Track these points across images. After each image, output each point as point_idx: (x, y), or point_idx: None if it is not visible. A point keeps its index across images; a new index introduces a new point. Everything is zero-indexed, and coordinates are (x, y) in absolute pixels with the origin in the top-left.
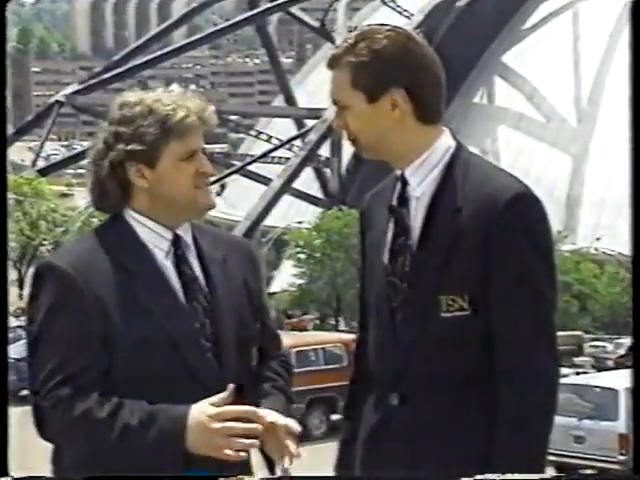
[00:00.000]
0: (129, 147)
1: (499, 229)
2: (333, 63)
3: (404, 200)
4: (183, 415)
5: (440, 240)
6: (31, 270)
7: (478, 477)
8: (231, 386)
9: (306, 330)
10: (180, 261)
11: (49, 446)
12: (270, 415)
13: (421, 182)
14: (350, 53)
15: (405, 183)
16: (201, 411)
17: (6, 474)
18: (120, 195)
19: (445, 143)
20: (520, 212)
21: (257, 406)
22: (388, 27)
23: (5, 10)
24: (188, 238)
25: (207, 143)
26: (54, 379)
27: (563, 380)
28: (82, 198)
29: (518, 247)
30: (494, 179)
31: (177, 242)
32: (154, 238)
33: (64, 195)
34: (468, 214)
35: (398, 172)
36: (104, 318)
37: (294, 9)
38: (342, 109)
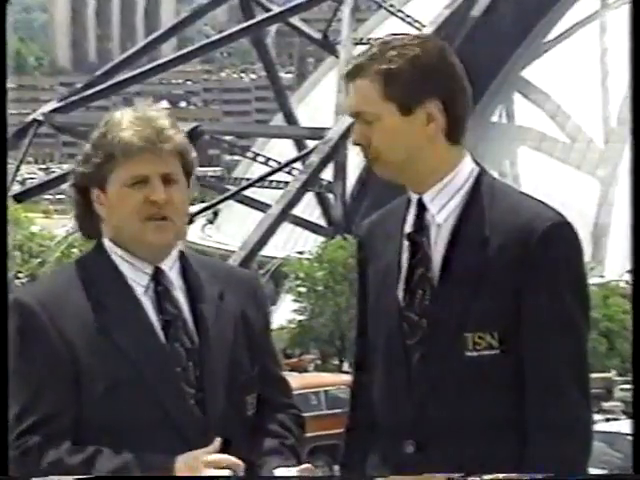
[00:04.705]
0: (82, 169)
1: (534, 261)
2: (357, 72)
3: (423, 228)
4: (169, 460)
5: (466, 272)
6: None
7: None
8: (218, 440)
9: (306, 371)
10: (162, 298)
11: None
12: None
13: (442, 208)
14: (379, 61)
15: (423, 209)
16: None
17: (6, 474)
18: (89, 221)
19: (468, 166)
20: (558, 243)
21: (250, 461)
22: (417, 34)
23: (5, 10)
24: (173, 272)
25: (199, 166)
26: (20, 426)
27: None
28: (61, 226)
29: (555, 281)
30: (525, 207)
31: (158, 277)
32: (132, 272)
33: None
34: (497, 244)
35: (414, 197)
36: (73, 359)
37: (294, 20)
38: (367, 123)
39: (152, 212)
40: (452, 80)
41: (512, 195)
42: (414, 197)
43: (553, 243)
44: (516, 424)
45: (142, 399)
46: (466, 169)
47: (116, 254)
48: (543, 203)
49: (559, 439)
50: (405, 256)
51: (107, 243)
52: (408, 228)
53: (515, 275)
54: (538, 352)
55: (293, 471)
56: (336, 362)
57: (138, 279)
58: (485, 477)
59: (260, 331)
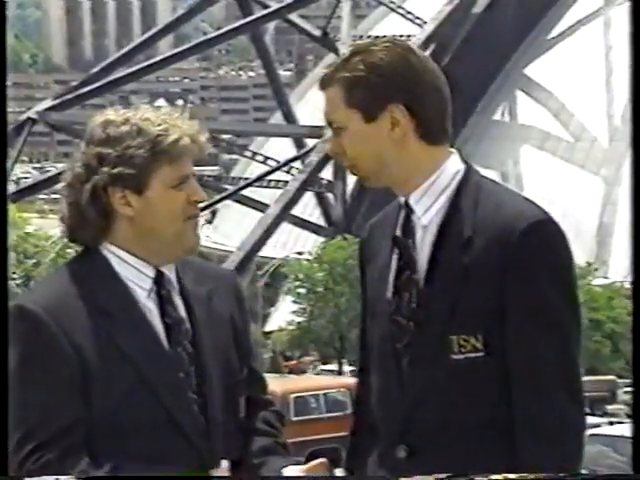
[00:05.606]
0: (115, 170)
1: (516, 260)
2: (326, 82)
3: (409, 229)
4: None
5: (450, 274)
6: None
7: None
8: (225, 462)
9: (305, 373)
10: (164, 301)
11: None
12: None
13: (427, 209)
14: (343, 69)
15: (410, 211)
16: None
17: (6, 474)
18: (100, 225)
19: (453, 166)
20: (539, 241)
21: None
22: (385, 39)
23: (5, 9)
24: (172, 275)
25: (196, 165)
26: (35, 440)
27: (595, 430)
28: (57, 226)
29: (537, 280)
30: (508, 205)
31: (160, 280)
32: (134, 276)
33: (42, 216)
34: (480, 244)
35: (402, 199)
36: (83, 367)
37: (293, 16)
38: (337, 131)
39: (193, 212)
40: (417, 83)
41: (497, 193)
42: (402, 200)
43: (535, 241)
44: (505, 426)
45: (149, 406)
46: (451, 169)
47: (115, 256)
48: (529, 201)
49: (545, 441)
50: (394, 258)
51: (108, 246)
52: (398, 230)
53: (498, 275)
54: (522, 353)
55: (303, 468)
56: (335, 364)
57: (140, 282)
58: (492, 477)
59: (244, 328)
